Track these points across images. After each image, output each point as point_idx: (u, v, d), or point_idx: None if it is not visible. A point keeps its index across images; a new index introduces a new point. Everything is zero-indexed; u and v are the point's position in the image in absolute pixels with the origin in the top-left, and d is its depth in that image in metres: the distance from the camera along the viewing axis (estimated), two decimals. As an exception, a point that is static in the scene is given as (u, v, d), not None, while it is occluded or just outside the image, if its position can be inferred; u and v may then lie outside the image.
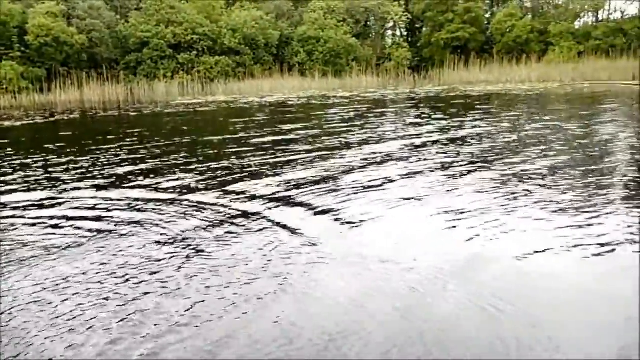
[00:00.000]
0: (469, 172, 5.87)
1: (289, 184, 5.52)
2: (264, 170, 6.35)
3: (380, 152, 7.50)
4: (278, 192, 5.18)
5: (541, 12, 34.68)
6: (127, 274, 3.17)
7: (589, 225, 3.86)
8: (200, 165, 6.89)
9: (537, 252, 3.37)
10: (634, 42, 28.52)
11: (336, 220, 4.17)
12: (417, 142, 8.50)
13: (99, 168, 6.86)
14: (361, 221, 4.10)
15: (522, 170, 5.83)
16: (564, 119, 11.21)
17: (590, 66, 25.96)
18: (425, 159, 6.77)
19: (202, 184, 5.69)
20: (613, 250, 3.39)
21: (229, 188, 5.43)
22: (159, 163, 7.27)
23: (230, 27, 29.98)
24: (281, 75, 30.26)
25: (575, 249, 3.39)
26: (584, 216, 4.05)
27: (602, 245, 3.46)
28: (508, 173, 5.72)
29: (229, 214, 4.44)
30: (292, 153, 7.64)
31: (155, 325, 2.54)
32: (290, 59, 31.87)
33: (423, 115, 13.07)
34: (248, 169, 6.51)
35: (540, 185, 5.10)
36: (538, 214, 4.16)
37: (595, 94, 18.06)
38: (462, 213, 4.23)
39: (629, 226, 3.79)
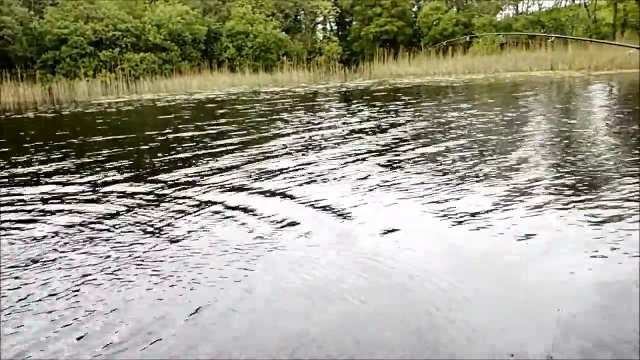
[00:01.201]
0: (371, 156, 6.32)
1: (212, 177, 5.26)
2: (183, 167, 6.05)
3: (294, 143, 7.47)
4: (189, 183, 4.93)
5: (465, 6, 35.65)
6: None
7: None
8: (121, 163, 6.49)
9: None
10: (551, 33, 29.82)
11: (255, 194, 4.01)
12: (339, 131, 8.50)
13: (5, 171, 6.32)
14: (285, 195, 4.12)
15: (420, 155, 6.30)
16: (477, 106, 11.51)
17: (512, 57, 26.89)
18: (341, 147, 6.88)
19: (126, 179, 5.35)
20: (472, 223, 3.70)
21: (142, 183, 5.11)
22: (76, 161, 6.85)
23: (154, 22, 29.01)
24: (210, 72, 29.59)
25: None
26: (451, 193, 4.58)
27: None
28: (404, 157, 5.81)
29: (146, 206, 4.16)
30: (215, 147, 7.36)
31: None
32: (219, 55, 31.25)
33: (349, 108, 13.05)
34: (168, 166, 6.19)
35: (431, 168, 5.66)
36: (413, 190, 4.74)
37: (515, 84, 18.68)
38: (345, 195, 4.63)
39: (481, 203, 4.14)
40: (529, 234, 3.51)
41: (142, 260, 3.32)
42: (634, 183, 4.62)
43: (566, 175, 5.03)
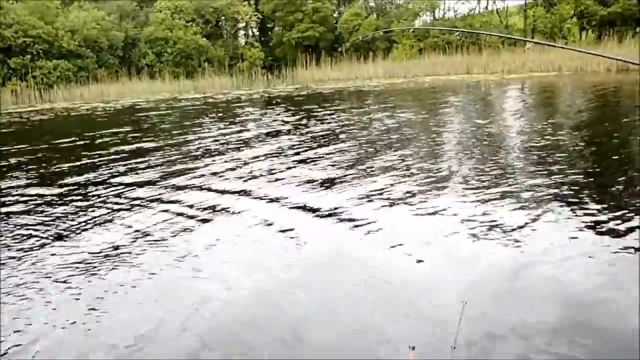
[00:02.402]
0: (284, 156, 5.86)
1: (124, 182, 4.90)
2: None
3: (205, 149, 7.20)
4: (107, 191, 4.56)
5: (384, 12, 36.37)
6: None
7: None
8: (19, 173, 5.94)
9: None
10: (466, 38, 30.96)
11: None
12: (256, 134, 8.28)
13: None
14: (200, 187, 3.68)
15: (317, 154, 6.12)
16: (399, 108, 11.67)
17: (430, 62, 27.66)
18: (245, 152, 6.64)
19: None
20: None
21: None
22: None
23: (68, 28, 27.52)
24: (129, 79, 28.47)
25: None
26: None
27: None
28: (320, 157, 5.71)
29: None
30: (127, 154, 6.94)
31: None
32: (138, 61, 30.12)
33: (270, 113, 12.86)
34: (79, 172, 5.73)
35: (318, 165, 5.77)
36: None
37: (434, 87, 19.19)
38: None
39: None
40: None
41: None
42: (541, 176, 4.76)
43: (484, 168, 5.21)
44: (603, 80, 17.09)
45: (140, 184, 5.62)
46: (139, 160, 7.12)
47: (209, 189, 5.31)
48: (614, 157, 5.93)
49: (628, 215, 3.78)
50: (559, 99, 13.89)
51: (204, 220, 4.28)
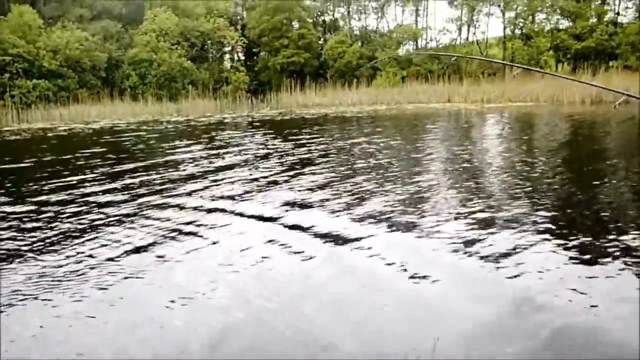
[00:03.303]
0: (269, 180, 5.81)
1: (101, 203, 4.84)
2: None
3: (183, 170, 7.13)
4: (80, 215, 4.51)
5: (369, 40, 36.94)
6: None
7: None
8: None
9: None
10: (448, 68, 31.53)
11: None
12: (227, 156, 8.26)
13: None
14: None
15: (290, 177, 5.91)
16: (382, 135, 11.78)
17: (413, 89, 28.05)
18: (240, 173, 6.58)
19: None
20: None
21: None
22: None
23: (49, 48, 27.45)
24: (111, 100, 28.36)
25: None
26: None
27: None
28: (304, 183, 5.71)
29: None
30: (103, 175, 6.88)
31: None
32: (120, 83, 30.09)
33: (253, 137, 12.90)
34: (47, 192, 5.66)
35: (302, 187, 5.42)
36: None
37: (416, 114, 19.44)
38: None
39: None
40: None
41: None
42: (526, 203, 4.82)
43: (463, 193, 5.26)
44: (579, 111, 17.51)
45: (113, 203, 5.57)
46: (114, 181, 7.06)
47: (183, 208, 5.28)
48: (594, 183, 6.09)
49: (606, 239, 3.85)
50: (537, 127, 14.16)
51: (175, 239, 4.26)
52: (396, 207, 5.07)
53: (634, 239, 3.86)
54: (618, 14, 30.33)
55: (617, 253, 3.63)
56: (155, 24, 31.43)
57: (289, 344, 2.58)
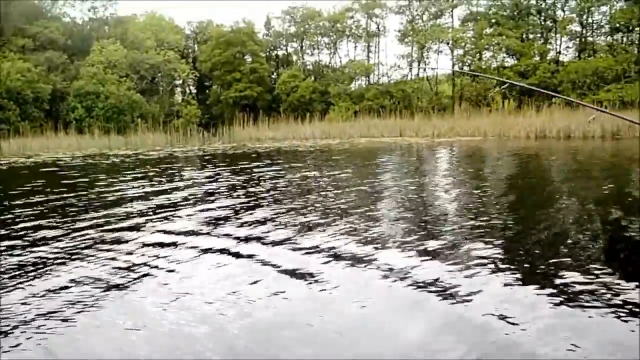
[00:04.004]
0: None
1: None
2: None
3: (127, 204, 6.68)
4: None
5: (322, 75, 37.35)
6: None
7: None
8: None
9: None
10: (399, 103, 32.12)
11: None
12: (173, 190, 7.85)
13: None
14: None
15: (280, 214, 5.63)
16: (321, 168, 11.64)
17: (365, 124, 28.32)
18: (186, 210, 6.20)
19: None
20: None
21: None
22: None
23: (-11, 78, 26.44)
24: (55, 133, 27.36)
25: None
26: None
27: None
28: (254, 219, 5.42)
29: None
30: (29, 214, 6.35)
31: None
32: (66, 115, 29.14)
33: (202, 171, 12.50)
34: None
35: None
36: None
37: (369, 148, 19.49)
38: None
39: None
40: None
41: None
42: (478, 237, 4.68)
43: (414, 225, 5.09)
44: (524, 145, 17.98)
45: (52, 239, 5.11)
46: (54, 216, 6.56)
47: (127, 242, 4.88)
48: (536, 212, 6.07)
49: (543, 264, 3.69)
50: (485, 161, 14.37)
51: (119, 272, 3.85)
52: (343, 238, 4.90)
53: (569, 266, 3.73)
54: (559, 52, 31.85)
55: (551, 276, 3.52)
56: (103, 56, 30.82)
57: None
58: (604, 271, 3.86)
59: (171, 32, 37.71)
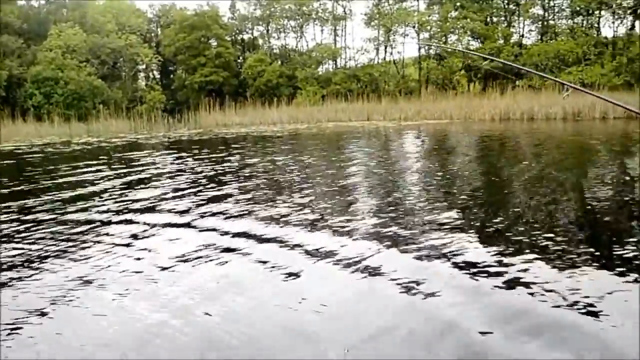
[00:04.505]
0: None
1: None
2: None
3: (85, 194, 6.49)
4: None
5: (288, 59, 36.97)
6: None
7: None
8: None
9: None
10: (367, 87, 32.10)
11: None
12: (133, 178, 7.67)
13: None
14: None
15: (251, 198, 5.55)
16: (289, 153, 11.55)
17: (333, 108, 28.20)
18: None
19: None
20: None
21: None
22: None
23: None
24: (12, 121, 26.44)
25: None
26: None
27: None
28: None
29: None
30: None
31: None
32: (23, 102, 28.14)
33: (166, 158, 12.25)
34: None
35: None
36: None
37: (336, 133, 19.43)
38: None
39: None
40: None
41: None
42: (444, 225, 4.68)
43: (385, 207, 5.06)
44: (490, 127, 18.21)
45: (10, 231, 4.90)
46: (10, 205, 6.31)
47: (79, 222, 4.71)
48: (504, 192, 6.15)
49: (517, 249, 3.71)
50: (452, 143, 14.48)
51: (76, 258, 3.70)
52: (311, 222, 4.85)
53: (529, 246, 3.76)
54: (523, 36, 32.25)
55: (518, 260, 3.53)
56: (61, 40, 29.82)
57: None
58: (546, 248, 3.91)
59: (133, 16, 36.73)
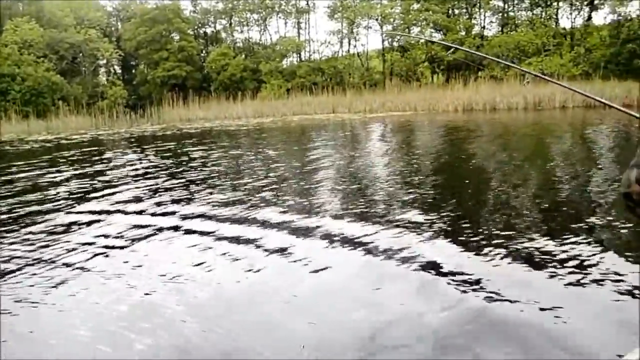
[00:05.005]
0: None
1: None
2: None
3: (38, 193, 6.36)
4: None
5: (252, 52, 36.63)
6: None
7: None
8: None
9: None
10: (331, 79, 32.11)
11: None
12: (92, 174, 7.55)
13: None
14: None
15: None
16: (253, 147, 11.53)
17: (298, 101, 28.11)
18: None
19: None
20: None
21: None
22: None
23: None
24: (-35, 119, 25.53)
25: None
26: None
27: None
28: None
29: None
30: None
31: None
32: (-22, 100, 27.22)
33: (127, 154, 12.05)
34: None
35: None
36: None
37: (302, 126, 19.42)
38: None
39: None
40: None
41: None
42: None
43: (353, 198, 5.09)
44: (453, 118, 18.48)
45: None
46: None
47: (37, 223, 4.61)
48: (465, 181, 6.25)
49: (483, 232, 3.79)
50: (418, 133, 14.65)
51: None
52: (288, 218, 4.87)
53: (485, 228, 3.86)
54: (484, 27, 32.74)
55: (476, 242, 3.62)
56: (17, 35, 28.90)
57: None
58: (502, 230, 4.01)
59: (91, 10, 35.82)
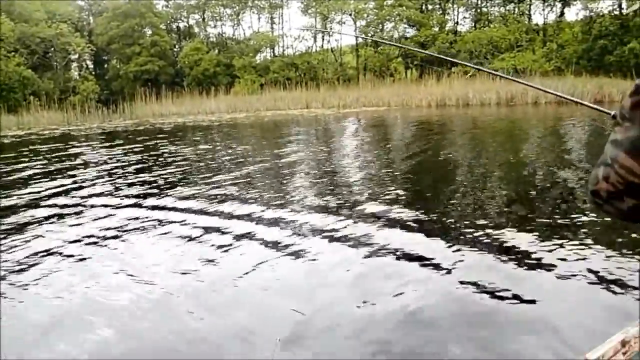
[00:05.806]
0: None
1: None
2: None
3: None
4: None
5: (226, 47, 36.44)
6: None
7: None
8: None
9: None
10: (305, 75, 32.15)
11: None
12: (64, 170, 7.56)
13: None
14: None
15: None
16: (226, 142, 11.59)
17: (271, 97, 28.11)
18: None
19: None
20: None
21: None
22: None
23: None
24: None
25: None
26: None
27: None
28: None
29: None
30: None
31: None
32: (-55, 95, 26.61)
33: (99, 150, 11.99)
34: None
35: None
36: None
37: (275, 121, 19.47)
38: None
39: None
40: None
41: None
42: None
43: (326, 192, 5.22)
44: (426, 114, 18.74)
45: None
46: None
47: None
48: (434, 175, 6.42)
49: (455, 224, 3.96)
50: (391, 128, 14.85)
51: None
52: (261, 213, 4.96)
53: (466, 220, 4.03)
54: (457, 23, 33.12)
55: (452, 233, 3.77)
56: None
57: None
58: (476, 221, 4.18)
59: (63, 4, 35.21)
